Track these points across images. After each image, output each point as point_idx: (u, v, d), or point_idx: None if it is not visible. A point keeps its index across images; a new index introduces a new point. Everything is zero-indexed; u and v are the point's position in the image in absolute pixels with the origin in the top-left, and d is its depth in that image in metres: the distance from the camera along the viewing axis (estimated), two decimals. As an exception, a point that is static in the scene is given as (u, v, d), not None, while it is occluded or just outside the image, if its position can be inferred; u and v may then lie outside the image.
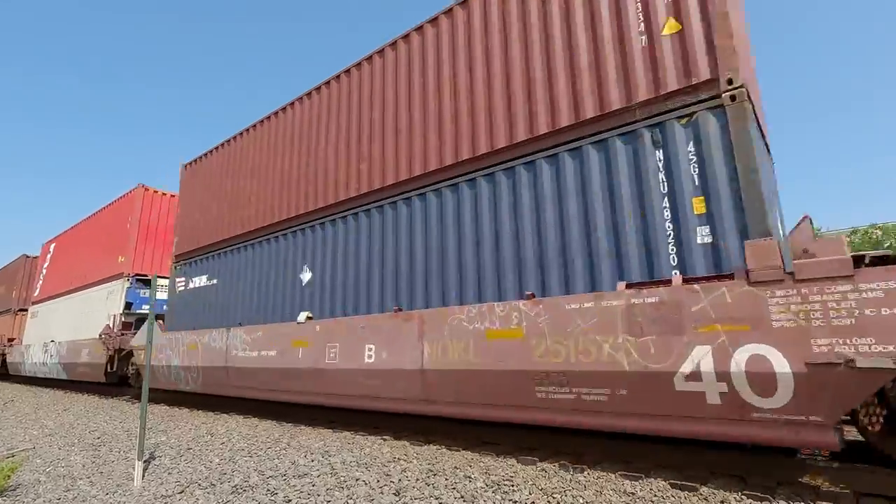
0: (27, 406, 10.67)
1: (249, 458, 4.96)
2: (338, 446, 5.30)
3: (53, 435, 6.89)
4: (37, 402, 11.47)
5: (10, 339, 19.29)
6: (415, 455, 4.81)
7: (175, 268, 10.53)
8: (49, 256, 18.01)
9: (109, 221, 14.07)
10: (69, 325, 14.35)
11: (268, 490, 3.89)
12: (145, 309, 12.33)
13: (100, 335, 11.86)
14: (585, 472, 3.99)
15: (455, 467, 4.29)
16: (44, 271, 17.93)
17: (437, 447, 5.17)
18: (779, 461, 3.63)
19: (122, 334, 11.26)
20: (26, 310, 19.12)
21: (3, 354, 19.26)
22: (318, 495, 3.70)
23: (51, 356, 14.68)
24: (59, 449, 5.91)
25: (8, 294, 21.13)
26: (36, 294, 17.99)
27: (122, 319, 11.81)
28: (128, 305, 12.13)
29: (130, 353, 11.13)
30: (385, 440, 5.62)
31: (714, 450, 3.94)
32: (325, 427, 6.68)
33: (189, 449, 5.52)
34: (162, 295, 11.74)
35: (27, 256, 20.42)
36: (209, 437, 6.18)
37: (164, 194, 13.61)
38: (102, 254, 13.78)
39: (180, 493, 3.98)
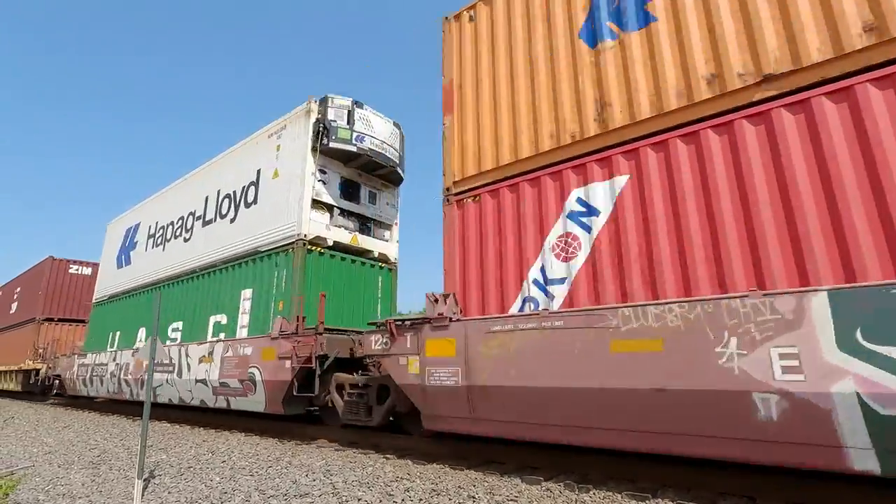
0: (27, 423, 10.60)
1: (251, 477, 4.90)
2: (340, 465, 5.23)
3: (53, 452, 6.83)
4: (37, 418, 11.40)
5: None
6: (418, 474, 4.74)
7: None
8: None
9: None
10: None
11: (269, 510, 3.84)
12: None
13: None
14: (591, 493, 3.92)
15: (459, 487, 4.22)
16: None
17: (441, 466, 5.10)
18: (790, 481, 3.57)
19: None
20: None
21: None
22: (320, 516, 3.65)
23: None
24: (59, 467, 5.86)
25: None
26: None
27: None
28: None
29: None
30: (388, 459, 5.55)
31: (721, 469, 3.87)
32: (328, 445, 6.61)
33: (190, 467, 5.46)
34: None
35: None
36: (210, 455, 6.12)
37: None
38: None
39: (180, 513, 3.93)
